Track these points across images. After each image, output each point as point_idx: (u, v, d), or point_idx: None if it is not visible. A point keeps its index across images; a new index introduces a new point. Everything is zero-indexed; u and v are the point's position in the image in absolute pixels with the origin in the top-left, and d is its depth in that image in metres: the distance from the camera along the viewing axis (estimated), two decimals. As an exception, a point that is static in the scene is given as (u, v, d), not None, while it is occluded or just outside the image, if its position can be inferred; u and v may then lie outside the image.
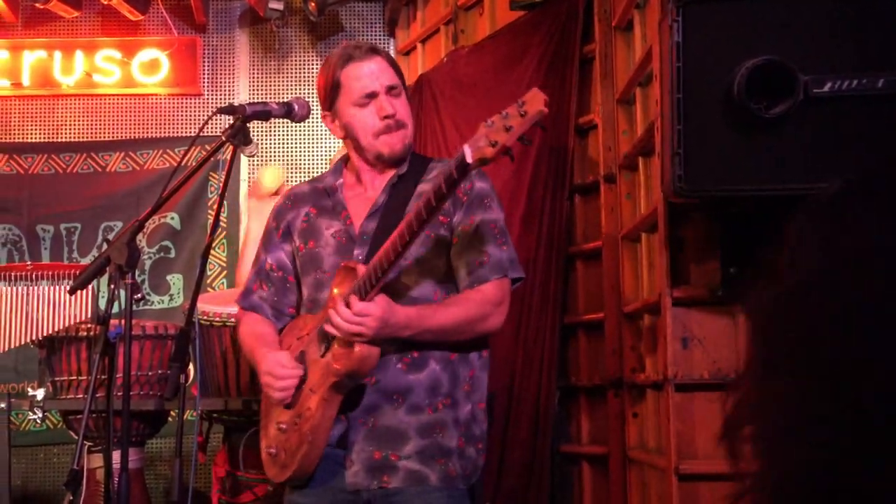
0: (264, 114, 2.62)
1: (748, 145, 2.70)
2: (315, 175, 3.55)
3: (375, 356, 2.37)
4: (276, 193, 5.48)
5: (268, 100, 4.29)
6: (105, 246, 2.87)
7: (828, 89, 2.61)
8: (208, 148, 2.76)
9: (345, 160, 2.76)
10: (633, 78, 3.81)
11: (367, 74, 2.57)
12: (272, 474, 2.60)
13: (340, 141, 2.79)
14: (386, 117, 2.56)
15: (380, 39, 6.16)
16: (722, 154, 2.73)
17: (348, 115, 2.60)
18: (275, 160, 6.06)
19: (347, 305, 2.33)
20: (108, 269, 2.49)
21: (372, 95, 2.57)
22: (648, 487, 3.64)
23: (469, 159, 2.13)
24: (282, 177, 5.75)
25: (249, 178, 6.04)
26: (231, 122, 2.59)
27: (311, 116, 2.76)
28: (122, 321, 2.47)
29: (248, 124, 2.59)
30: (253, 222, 5.56)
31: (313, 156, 6.08)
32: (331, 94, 2.61)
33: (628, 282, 3.91)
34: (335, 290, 2.44)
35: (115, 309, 2.48)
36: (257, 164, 6.05)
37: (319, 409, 2.44)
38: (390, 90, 2.58)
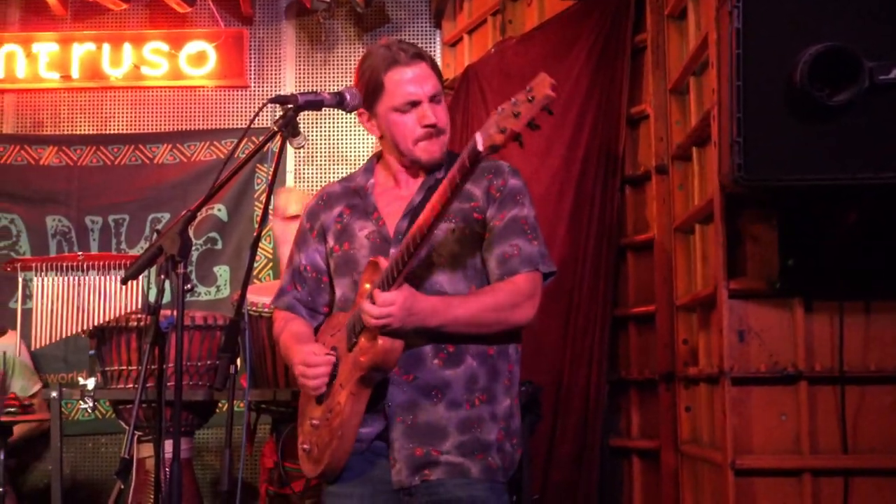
0: (317, 103, 2.59)
1: (810, 133, 2.64)
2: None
3: (399, 348, 2.36)
4: (297, 216, 5.26)
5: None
6: (153, 237, 2.87)
7: (894, 76, 2.55)
8: (255, 140, 2.74)
9: (377, 157, 2.74)
10: (686, 67, 3.75)
11: (412, 81, 2.54)
12: (307, 470, 2.60)
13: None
14: (427, 126, 2.55)
15: (426, 31, 6.14)
16: (782, 142, 2.67)
17: (388, 119, 2.58)
18: (321, 154, 6.06)
19: (373, 300, 2.33)
20: (159, 259, 2.48)
21: (415, 103, 2.54)
22: (701, 482, 3.60)
23: (480, 147, 2.13)
24: (305, 198, 5.51)
25: (296, 170, 6.04)
26: (277, 115, 2.57)
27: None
28: (173, 311, 2.46)
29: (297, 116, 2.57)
30: (283, 247, 5.35)
31: (359, 149, 6.07)
32: (371, 95, 2.58)
33: (680, 274, 3.86)
34: (366, 286, 2.44)
35: (165, 299, 2.48)
36: (303, 157, 6.05)
37: (348, 404, 2.43)
38: (433, 98, 2.56)
